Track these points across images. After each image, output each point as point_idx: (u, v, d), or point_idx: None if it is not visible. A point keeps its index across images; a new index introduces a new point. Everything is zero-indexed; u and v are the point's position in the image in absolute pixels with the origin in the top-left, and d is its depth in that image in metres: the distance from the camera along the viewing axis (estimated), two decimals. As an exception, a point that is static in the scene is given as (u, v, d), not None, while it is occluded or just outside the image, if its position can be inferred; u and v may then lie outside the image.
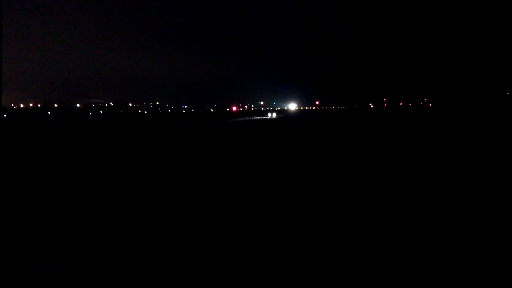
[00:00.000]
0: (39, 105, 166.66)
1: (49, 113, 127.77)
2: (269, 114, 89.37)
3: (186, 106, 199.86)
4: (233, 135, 29.90)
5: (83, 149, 21.27)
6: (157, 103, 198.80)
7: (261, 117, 72.16)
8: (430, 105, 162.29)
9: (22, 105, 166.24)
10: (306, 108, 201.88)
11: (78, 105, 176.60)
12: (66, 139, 29.39)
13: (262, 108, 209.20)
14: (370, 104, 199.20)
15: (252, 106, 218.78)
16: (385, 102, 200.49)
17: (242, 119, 66.07)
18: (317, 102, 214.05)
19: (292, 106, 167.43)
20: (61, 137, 31.70)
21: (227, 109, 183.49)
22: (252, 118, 69.26)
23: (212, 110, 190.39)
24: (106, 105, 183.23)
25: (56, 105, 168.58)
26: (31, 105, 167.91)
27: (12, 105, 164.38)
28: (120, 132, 36.83)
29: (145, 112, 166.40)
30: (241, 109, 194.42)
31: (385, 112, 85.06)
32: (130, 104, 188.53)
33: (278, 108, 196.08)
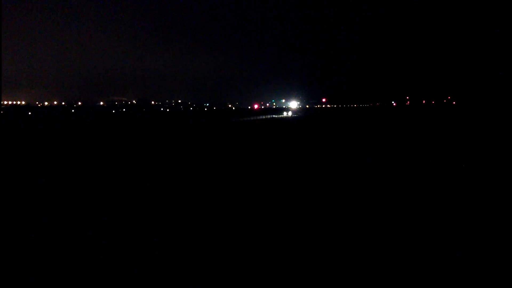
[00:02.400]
0: (63, 103, 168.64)
1: (72, 111, 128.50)
2: (285, 113, 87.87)
3: (208, 104, 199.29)
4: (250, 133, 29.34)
5: (108, 146, 21.22)
6: (179, 101, 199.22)
7: (277, 116, 73.93)
8: (454, 103, 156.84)
9: (46, 103, 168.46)
10: (314, 106, 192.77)
11: (101, 103, 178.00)
12: (93, 135, 29.12)
13: (284, 106, 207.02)
14: (393, 102, 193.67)
15: (274, 103, 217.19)
16: (408, 100, 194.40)
17: (263, 117, 67.51)
18: (323, 100, 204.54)
19: (293, 104, 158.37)
20: (87, 133, 31.38)
21: (249, 107, 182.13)
22: (273, 116, 70.50)
23: (233, 108, 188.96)
24: (129, 103, 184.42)
25: (80, 103, 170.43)
26: (55, 103, 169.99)
27: (37, 103, 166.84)
28: (145, 129, 36.23)
29: (167, 110, 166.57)
30: (262, 107, 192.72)
31: (419, 112, 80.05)
32: (153, 102, 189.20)
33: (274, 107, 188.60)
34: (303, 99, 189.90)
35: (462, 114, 55.07)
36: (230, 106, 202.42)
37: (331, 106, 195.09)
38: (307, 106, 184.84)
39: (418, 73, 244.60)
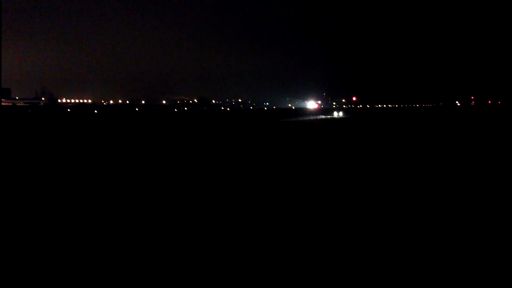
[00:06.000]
0: (127, 102, 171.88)
1: (136, 109, 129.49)
2: (335, 113, 79.95)
3: (267, 103, 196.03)
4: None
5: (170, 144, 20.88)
6: (240, 100, 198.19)
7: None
8: None
9: (111, 102, 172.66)
10: (346, 106, 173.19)
11: (163, 101, 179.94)
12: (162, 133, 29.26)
13: (344, 106, 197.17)
14: (457, 102, 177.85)
15: (334, 103, 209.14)
16: (472, 100, 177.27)
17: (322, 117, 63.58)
18: (354, 98, 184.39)
19: (312, 105, 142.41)
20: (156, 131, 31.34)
21: (308, 106, 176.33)
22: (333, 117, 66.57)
23: (293, 108, 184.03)
24: (190, 101, 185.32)
25: (143, 102, 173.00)
26: (120, 101, 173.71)
27: (102, 101, 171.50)
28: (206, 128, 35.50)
29: (228, 108, 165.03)
30: (322, 106, 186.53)
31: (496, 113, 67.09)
32: (213, 101, 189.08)
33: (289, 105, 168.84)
34: (326, 97, 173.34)
35: None
36: (290, 105, 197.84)
37: (389, 106, 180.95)
38: (343, 105, 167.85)
39: (483, 72, 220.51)
